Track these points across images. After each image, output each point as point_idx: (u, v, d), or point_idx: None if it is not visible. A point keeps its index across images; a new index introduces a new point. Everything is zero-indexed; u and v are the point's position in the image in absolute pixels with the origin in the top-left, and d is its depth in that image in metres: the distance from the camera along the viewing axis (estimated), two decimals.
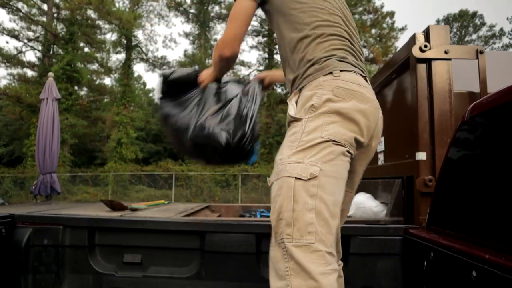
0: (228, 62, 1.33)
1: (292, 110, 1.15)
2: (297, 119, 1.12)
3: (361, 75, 1.20)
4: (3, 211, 1.97)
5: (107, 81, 24.35)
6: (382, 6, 21.83)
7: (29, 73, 20.41)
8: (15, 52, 19.68)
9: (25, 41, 19.86)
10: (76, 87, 19.34)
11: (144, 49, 21.85)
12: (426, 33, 1.85)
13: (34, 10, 19.69)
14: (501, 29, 28.22)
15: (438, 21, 29.08)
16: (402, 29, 22.43)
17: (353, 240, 1.67)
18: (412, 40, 1.88)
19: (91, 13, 19.59)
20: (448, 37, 1.85)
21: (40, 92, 4.84)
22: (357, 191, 2.31)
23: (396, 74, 2.22)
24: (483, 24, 28.50)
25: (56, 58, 19.09)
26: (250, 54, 64.93)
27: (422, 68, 1.84)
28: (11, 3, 18.75)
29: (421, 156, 1.79)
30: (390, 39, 22.14)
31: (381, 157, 2.48)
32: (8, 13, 19.37)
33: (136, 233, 1.85)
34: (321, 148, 1.04)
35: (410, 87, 1.94)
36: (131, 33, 19.78)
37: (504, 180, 1.06)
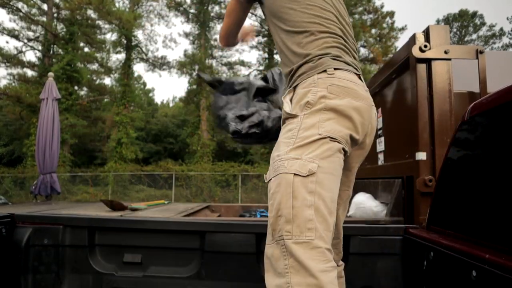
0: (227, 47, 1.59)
1: (287, 107, 1.16)
2: (293, 116, 1.12)
3: (355, 73, 1.20)
4: (3, 210, 1.97)
5: (107, 81, 24.38)
6: (382, 6, 21.84)
7: (29, 73, 20.43)
8: (15, 52, 19.70)
9: (25, 41, 19.88)
10: (76, 87, 19.34)
11: (144, 49, 21.86)
12: (426, 33, 1.85)
13: (34, 10, 19.70)
14: (501, 29, 28.25)
15: (438, 21, 29.09)
16: (402, 29, 22.44)
17: (353, 240, 1.67)
18: (412, 40, 1.88)
19: (91, 13, 19.60)
20: (448, 37, 1.85)
21: (40, 92, 4.85)
22: (357, 191, 2.32)
23: (396, 74, 2.22)
24: (483, 24, 28.52)
25: (56, 58, 19.09)
26: (250, 54, 65.02)
27: (422, 68, 1.84)
28: (11, 3, 18.75)
29: (421, 156, 1.79)
30: (390, 39, 22.14)
31: (381, 157, 2.48)
32: (8, 13, 19.38)
33: (136, 233, 1.85)
34: (319, 144, 1.04)
35: (410, 87, 1.94)
36: (131, 33, 19.78)
37: (504, 180, 1.06)
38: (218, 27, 21.95)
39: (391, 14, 22.07)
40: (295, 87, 1.19)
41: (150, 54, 22.18)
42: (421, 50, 1.81)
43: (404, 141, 2.03)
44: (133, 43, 20.40)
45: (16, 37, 19.42)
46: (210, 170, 17.07)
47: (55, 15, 19.73)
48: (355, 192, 1.85)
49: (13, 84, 19.79)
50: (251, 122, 1.49)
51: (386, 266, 1.67)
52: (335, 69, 1.14)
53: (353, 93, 1.12)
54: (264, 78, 1.70)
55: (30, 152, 16.34)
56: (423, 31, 1.88)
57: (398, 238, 1.67)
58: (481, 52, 1.84)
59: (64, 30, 19.29)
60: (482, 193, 1.18)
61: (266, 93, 1.62)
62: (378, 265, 1.67)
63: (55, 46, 19.61)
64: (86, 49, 20.71)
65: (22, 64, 19.84)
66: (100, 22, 20.40)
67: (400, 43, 23.04)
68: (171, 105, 35.35)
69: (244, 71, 22.32)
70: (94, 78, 21.88)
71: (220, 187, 16.45)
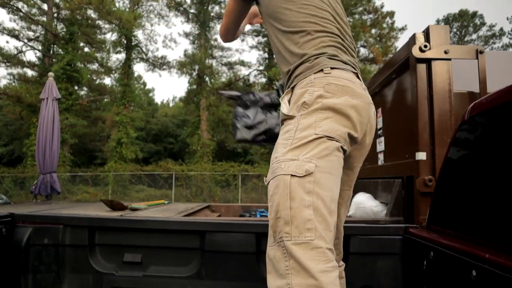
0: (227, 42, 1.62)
1: (285, 108, 1.15)
2: (290, 117, 1.12)
3: (352, 71, 1.20)
4: (4, 210, 1.97)
5: (107, 81, 24.38)
6: (382, 6, 21.84)
7: (29, 73, 20.45)
8: (15, 52, 19.71)
9: (25, 41, 19.89)
10: (76, 87, 19.36)
11: (144, 49, 21.86)
12: (426, 33, 1.85)
13: (34, 10, 19.71)
14: (501, 29, 28.28)
15: (438, 21, 29.10)
16: (402, 29, 22.43)
17: (353, 240, 1.67)
18: (412, 40, 1.88)
19: (91, 13, 19.61)
20: (448, 37, 1.85)
21: (40, 92, 4.85)
22: (357, 191, 2.33)
23: (396, 74, 2.22)
24: (483, 24, 28.53)
25: (56, 58, 19.10)
26: (250, 54, 65.05)
27: (422, 68, 1.84)
28: (11, 3, 18.76)
29: (421, 156, 1.79)
30: (390, 39, 22.14)
31: (381, 157, 2.48)
32: (8, 13, 19.39)
33: (136, 233, 1.85)
34: (316, 144, 1.03)
35: (410, 87, 1.94)
36: (131, 33, 19.78)
37: (504, 180, 1.06)
38: (218, 27, 21.95)
39: (391, 14, 22.08)
40: (292, 88, 1.18)
41: (150, 54, 22.21)
42: (421, 50, 1.81)
43: (404, 141, 2.04)
44: (133, 43, 20.41)
45: (16, 37, 19.43)
46: (210, 170, 17.08)
47: (55, 15, 19.75)
48: (355, 192, 1.85)
49: (13, 84, 19.82)
50: (257, 130, 1.60)
51: (386, 265, 1.67)
52: (331, 68, 1.13)
53: (350, 92, 1.12)
54: (277, 91, 1.78)
55: (30, 152, 16.35)
56: (423, 31, 1.88)
57: (398, 238, 1.67)
58: (481, 52, 1.84)
59: (64, 30, 19.31)
60: (482, 193, 1.18)
61: (275, 106, 1.73)
62: (378, 264, 1.67)
63: (55, 46, 19.62)
64: (86, 49, 20.73)
65: (22, 64, 19.85)
66: (100, 22, 20.43)
67: (400, 43, 23.08)
68: (171, 105, 35.40)
69: (244, 71, 22.35)
70: (94, 78, 21.90)
71: (220, 187, 16.46)
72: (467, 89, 1.93)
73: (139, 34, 26.19)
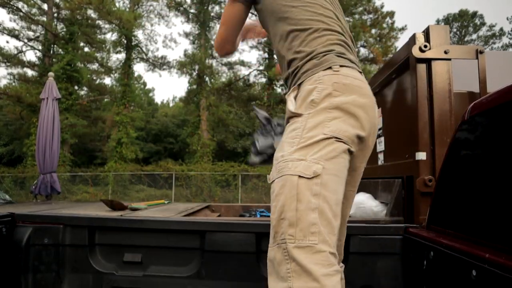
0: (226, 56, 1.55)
1: (291, 105, 1.13)
2: (297, 115, 1.09)
3: (358, 71, 1.19)
4: (4, 210, 1.97)
5: (107, 81, 24.36)
6: (382, 6, 21.85)
7: (29, 72, 20.46)
8: (15, 52, 19.73)
9: (25, 40, 19.91)
10: (76, 87, 19.37)
11: (144, 49, 21.87)
12: (426, 33, 1.85)
13: (34, 10, 19.72)
14: (501, 29, 28.28)
15: (438, 21, 29.09)
16: (402, 29, 22.44)
17: (353, 240, 1.67)
18: (412, 40, 1.88)
19: (91, 13, 19.62)
20: (448, 37, 1.85)
21: (40, 91, 4.85)
22: (357, 191, 2.32)
23: (396, 74, 2.22)
24: (483, 24, 28.53)
25: (56, 58, 19.11)
26: (250, 54, 65.01)
27: (422, 68, 1.84)
28: (11, 3, 18.76)
29: (421, 156, 1.79)
30: (390, 39, 22.14)
31: (381, 157, 2.49)
32: (8, 13, 19.41)
33: (136, 233, 1.85)
34: (324, 145, 1.01)
35: (410, 87, 1.94)
36: (131, 33, 19.79)
37: (504, 180, 1.06)
38: (218, 27, 21.95)
39: (391, 14, 22.08)
40: (299, 85, 1.16)
41: (150, 54, 22.22)
42: (421, 50, 1.81)
43: (404, 141, 2.04)
44: (133, 43, 20.41)
45: (16, 37, 19.44)
46: (210, 170, 17.08)
47: (55, 15, 19.76)
48: None
49: (13, 84, 19.84)
50: (264, 156, 1.64)
51: (386, 265, 1.67)
52: (340, 66, 1.11)
53: (359, 91, 1.10)
54: (261, 122, 1.85)
55: (30, 152, 16.35)
56: (423, 31, 1.88)
57: (398, 238, 1.67)
58: (481, 52, 1.84)
59: (64, 30, 19.32)
60: (482, 192, 1.18)
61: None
62: (378, 264, 1.67)
63: (55, 46, 19.63)
64: (86, 49, 20.74)
65: (22, 64, 19.87)
66: (100, 22, 20.44)
67: (400, 43, 23.07)
68: (171, 105, 35.41)
69: (244, 71, 22.35)
70: (94, 78, 21.91)
71: (220, 187, 16.46)
72: (467, 89, 1.93)
73: (139, 34, 26.22)
